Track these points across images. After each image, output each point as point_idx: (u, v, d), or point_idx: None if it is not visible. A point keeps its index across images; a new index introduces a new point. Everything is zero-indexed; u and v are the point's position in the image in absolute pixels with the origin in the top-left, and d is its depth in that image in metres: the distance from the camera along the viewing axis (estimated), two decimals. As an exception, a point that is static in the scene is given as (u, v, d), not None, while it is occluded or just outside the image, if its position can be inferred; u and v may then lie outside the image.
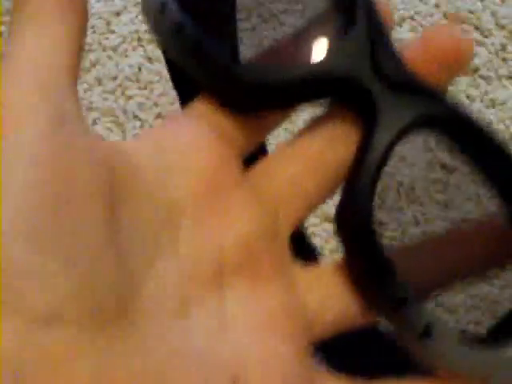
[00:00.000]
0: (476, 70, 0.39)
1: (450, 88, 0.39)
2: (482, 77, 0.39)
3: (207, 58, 0.18)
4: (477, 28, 0.39)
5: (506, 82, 0.39)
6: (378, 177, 0.18)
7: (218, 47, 0.18)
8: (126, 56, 0.39)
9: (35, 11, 0.17)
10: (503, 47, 0.39)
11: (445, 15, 0.40)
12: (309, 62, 0.18)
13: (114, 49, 0.40)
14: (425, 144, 0.20)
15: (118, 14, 0.40)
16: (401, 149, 0.19)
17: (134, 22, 0.40)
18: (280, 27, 0.21)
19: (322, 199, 0.19)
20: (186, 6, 0.19)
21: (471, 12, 0.40)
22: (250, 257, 0.17)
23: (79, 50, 0.17)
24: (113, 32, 0.40)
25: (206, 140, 0.18)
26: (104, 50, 0.40)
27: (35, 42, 0.16)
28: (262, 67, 0.18)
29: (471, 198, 0.21)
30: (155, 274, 0.16)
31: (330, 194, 0.19)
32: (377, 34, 0.18)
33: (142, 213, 0.16)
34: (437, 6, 0.40)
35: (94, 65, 0.39)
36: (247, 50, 0.20)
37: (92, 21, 0.40)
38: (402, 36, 0.39)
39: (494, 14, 0.39)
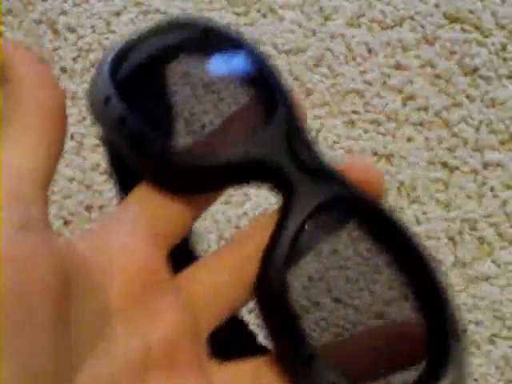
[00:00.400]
0: (476, 70, 0.39)
1: (450, 88, 0.39)
2: (481, 77, 0.39)
3: (146, 146, 0.21)
4: (477, 28, 0.39)
5: (506, 81, 0.39)
6: (292, 252, 0.20)
7: (156, 137, 0.21)
8: (126, 56, 0.39)
9: (17, 124, 0.19)
10: (503, 47, 0.39)
11: (445, 15, 0.40)
12: (233, 149, 0.21)
13: (114, 49, 0.40)
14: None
15: (117, 14, 0.40)
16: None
17: (134, 22, 0.40)
18: (210, 115, 0.23)
19: (243, 305, 0.21)
20: (127, 100, 0.21)
21: (471, 12, 0.40)
22: (171, 356, 0.19)
23: (55, 158, 0.19)
24: (113, 32, 0.40)
25: (140, 243, 0.20)
26: (104, 50, 0.40)
27: (12, 150, 0.18)
28: (192, 154, 0.21)
29: (379, 283, 0.24)
30: (88, 368, 0.17)
31: (250, 299, 0.21)
32: (294, 123, 0.21)
33: (84, 311, 0.18)
34: (437, 5, 0.40)
35: (93, 65, 0.39)
36: (181, 138, 0.22)
37: (92, 21, 0.40)
38: (402, 36, 0.39)
39: (494, 14, 0.39)
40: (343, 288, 0.25)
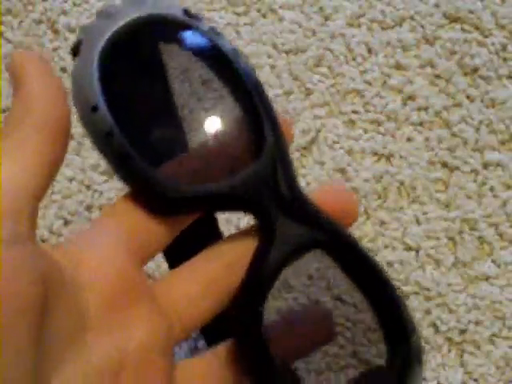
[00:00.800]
0: (476, 69, 0.39)
1: (450, 88, 0.39)
2: (481, 77, 0.39)
3: (128, 167, 0.21)
4: (477, 28, 0.39)
5: (506, 81, 0.39)
6: (268, 290, 0.21)
7: (139, 160, 0.20)
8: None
9: (18, 138, 0.19)
10: (503, 47, 0.39)
11: (445, 15, 0.40)
12: (218, 183, 0.21)
13: (114, 49, 0.40)
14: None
15: (118, 14, 0.40)
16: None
17: (134, 21, 0.40)
18: (198, 138, 0.23)
19: (214, 314, 0.22)
20: (116, 112, 0.20)
21: (471, 12, 0.40)
22: (144, 364, 0.20)
23: (50, 176, 0.19)
24: (113, 32, 0.40)
25: (116, 254, 0.21)
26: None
27: (7, 163, 0.19)
28: (175, 182, 0.21)
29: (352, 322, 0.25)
30: (62, 373, 0.18)
31: (219, 311, 0.22)
32: (280, 157, 0.21)
33: (59, 320, 0.18)
34: (437, 5, 0.40)
35: (94, 65, 0.39)
36: (165, 161, 0.22)
37: (92, 21, 0.40)
38: (402, 36, 0.39)
39: (494, 14, 0.39)
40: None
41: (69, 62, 0.39)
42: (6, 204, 0.18)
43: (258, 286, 0.21)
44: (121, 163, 0.21)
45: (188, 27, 0.22)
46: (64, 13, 0.40)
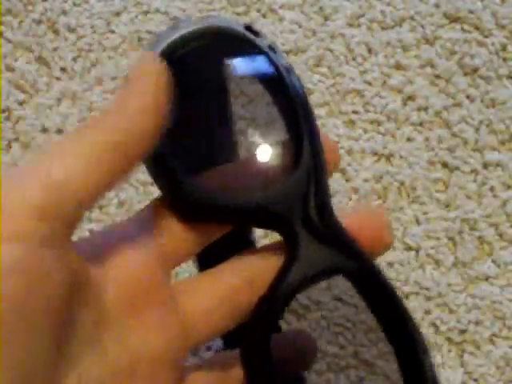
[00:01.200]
0: (476, 69, 0.39)
1: (450, 88, 0.39)
2: (481, 77, 0.39)
3: (167, 172, 0.21)
4: (477, 28, 0.39)
5: (506, 81, 0.39)
6: (283, 311, 0.21)
7: (177, 163, 0.21)
8: (126, 56, 0.39)
9: (96, 134, 0.19)
10: (503, 47, 0.39)
11: (445, 15, 0.40)
12: (250, 196, 0.21)
13: (114, 49, 0.40)
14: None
15: (117, 14, 0.40)
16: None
17: (134, 22, 0.40)
18: (236, 151, 0.23)
19: (229, 328, 0.22)
20: None
21: (471, 12, 0.40)
22: (157, 370, 0.20)
23: (106, 188, 0.19)
24: (113, 32, 0.40)
25: (143, 257, 0.20)
26: (104, 50, 0.40)
27: (62, 162, 0.18)
28: (208, 192, 0.21)
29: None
30: (80, 370, 0.18)
31: (237, 323, 0.22)
32: (315, 182, 0.21)
33: (80, 318, 0.18)
34: (437, 6, 0.40)
35: (93, 65, 0.39)
36: (201, 169, 0.22)
37: (92, 21, 0.40)
38: (402, 36, 0.39)
39: (494, 14, 0.39)
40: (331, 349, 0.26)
41: (69, 61, 0.39)
42: (46, 205, 0.17)
43: (271, 308, 0.21)
44: (157, 167, 0.21)
45: (244, 40, 0.22)
46: (64, 13, 0.40)
